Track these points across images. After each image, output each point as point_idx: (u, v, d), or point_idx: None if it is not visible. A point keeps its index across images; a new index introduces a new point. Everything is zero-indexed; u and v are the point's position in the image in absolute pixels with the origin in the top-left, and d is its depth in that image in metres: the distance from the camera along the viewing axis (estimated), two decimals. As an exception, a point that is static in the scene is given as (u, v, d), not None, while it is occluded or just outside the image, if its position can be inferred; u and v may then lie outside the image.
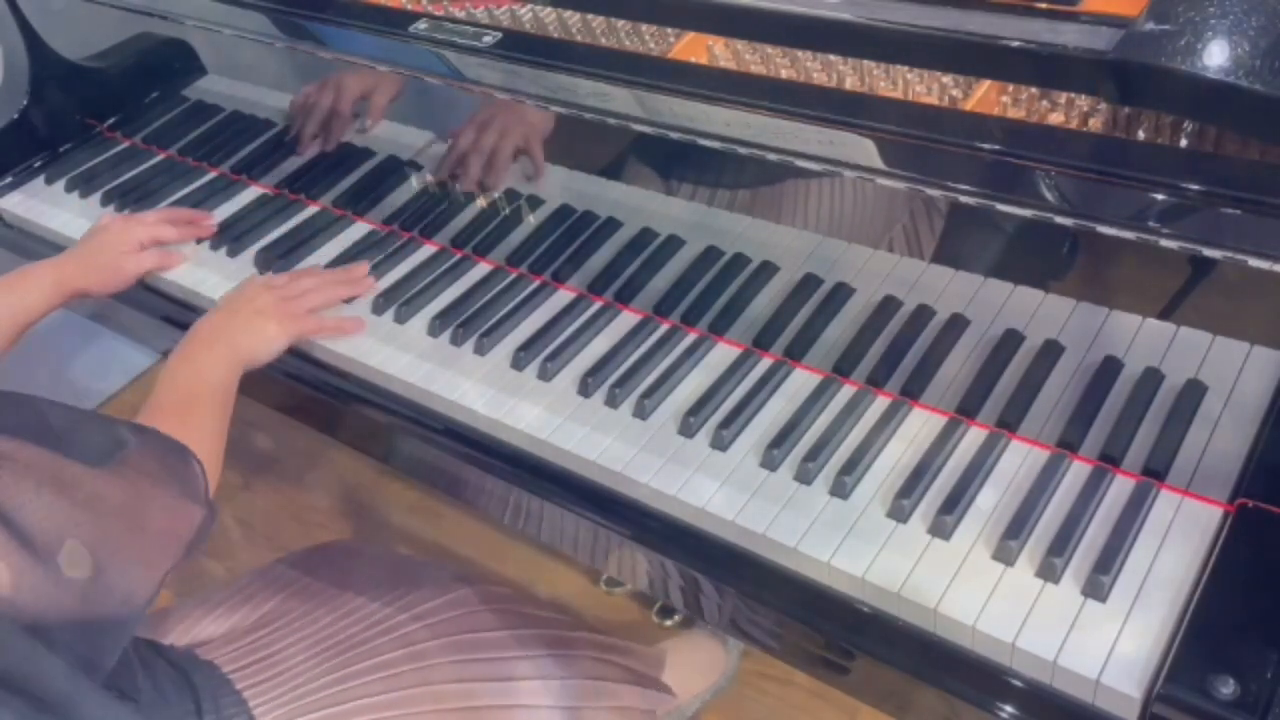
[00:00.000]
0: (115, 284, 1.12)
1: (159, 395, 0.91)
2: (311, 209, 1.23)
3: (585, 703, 1.07)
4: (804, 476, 0.83)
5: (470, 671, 0.98)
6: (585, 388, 0.94)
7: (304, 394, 1.07)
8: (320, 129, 1.21)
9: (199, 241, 1.20)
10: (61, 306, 1.08)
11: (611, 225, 1.05)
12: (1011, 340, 0.88)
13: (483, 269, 1.10)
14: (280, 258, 1.15)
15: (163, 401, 0.91)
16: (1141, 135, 0.79)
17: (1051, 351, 0.86)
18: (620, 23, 1.01)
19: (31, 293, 1.05)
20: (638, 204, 1.02)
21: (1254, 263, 0.69)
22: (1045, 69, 0.79)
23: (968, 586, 0.74)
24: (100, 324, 1.33)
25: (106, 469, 0.73)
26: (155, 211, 1.21)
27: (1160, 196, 0.72)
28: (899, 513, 0.79)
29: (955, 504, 0.78)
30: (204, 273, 1.15)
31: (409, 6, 1.09)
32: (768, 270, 0.98)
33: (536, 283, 1.07)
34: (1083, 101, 0.81)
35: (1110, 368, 0.84)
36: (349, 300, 1.08)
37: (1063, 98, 0.82)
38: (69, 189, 1.32)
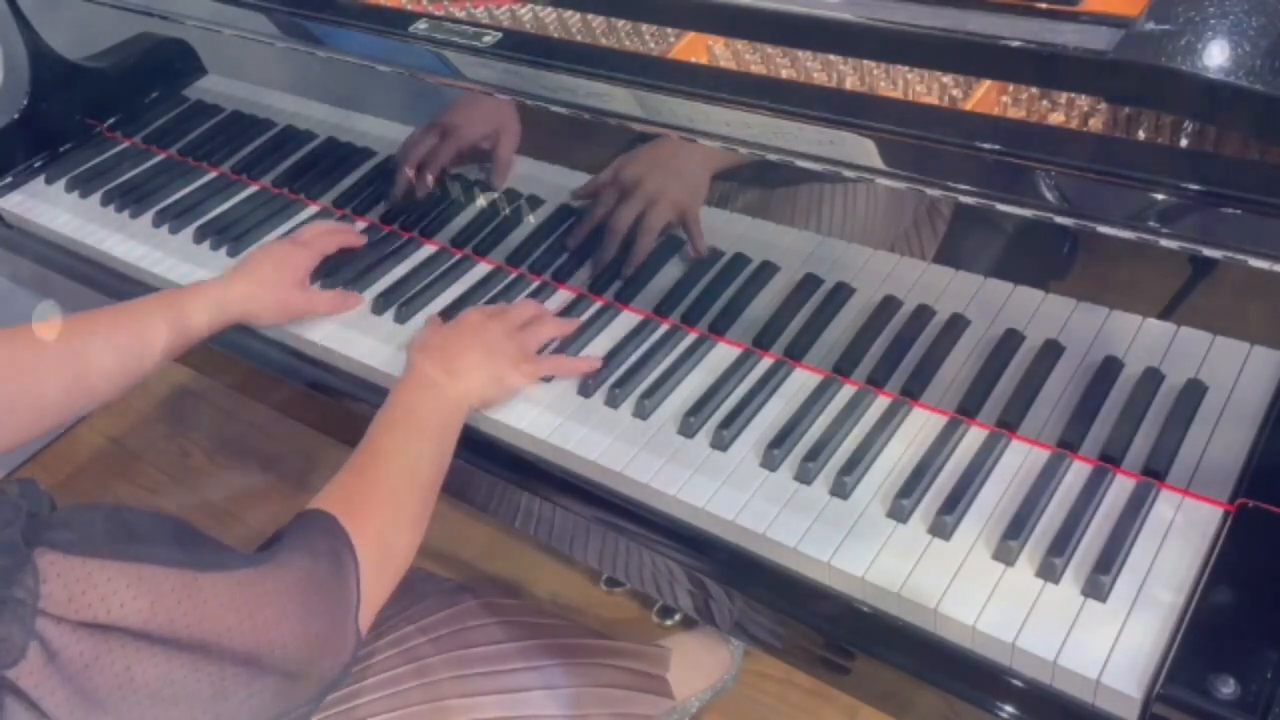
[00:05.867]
0: (281, 319, 1.05)
1: (373, 434, 0.86)
2: (311, 209, 1.23)
3: (591, 710, 1.07)
4: (804, 476, 0.83)
5: (476, 685, 0.98)
6: (585, 388, 0.94)
7: (304, 394, 1.07)
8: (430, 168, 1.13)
9: (198, 242, 1.20)
10: (222, 331, 1.01)
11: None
12: (1011, 340, 0.87)
13: (483, 269, 1.10)
14: (280, 258, 1.14)
15: (377, 441, 0.86)
16: (1141, 135, 0.79)
17: (1051, 351, 0.86)
18: (620, 23, 1.01)
19: (199, 312, 0.98)
20: (638, 204, 1.02)
21: (1254, 263, 0.69)
22: (1045, 69, 0.80)
23: (968, 586, 0.74)
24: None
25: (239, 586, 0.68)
26: (310, 228, 1.12)
27: (1160, 196, 0.72)
28: (899, 513, 0.79)
29: (955, 504, 0.78)
30: (203, 272, 1.15)
31: (409, 6, 1.09)
32: (768, 270, 0.97)
33: (536, 283, 1.07)
34: (1083, 101, 0.81)
35: (1110, 368, 0.84)
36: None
37: (1063, 98, 0.81)
38: (69, 189, 1.32)
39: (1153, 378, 0.82)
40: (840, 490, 0.82)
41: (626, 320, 1.01)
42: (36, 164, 1.37)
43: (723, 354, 0.95)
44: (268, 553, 0.72)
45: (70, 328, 0.91)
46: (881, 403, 0.88)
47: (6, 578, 0.58)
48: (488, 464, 0.95)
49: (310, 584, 0.72)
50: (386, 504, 0.81)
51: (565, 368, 0.96)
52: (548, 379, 0.96)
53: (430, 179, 1.13)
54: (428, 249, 1.14)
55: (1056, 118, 0.81)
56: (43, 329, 0.89)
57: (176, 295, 1.00)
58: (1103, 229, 0.74)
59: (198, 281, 1.04)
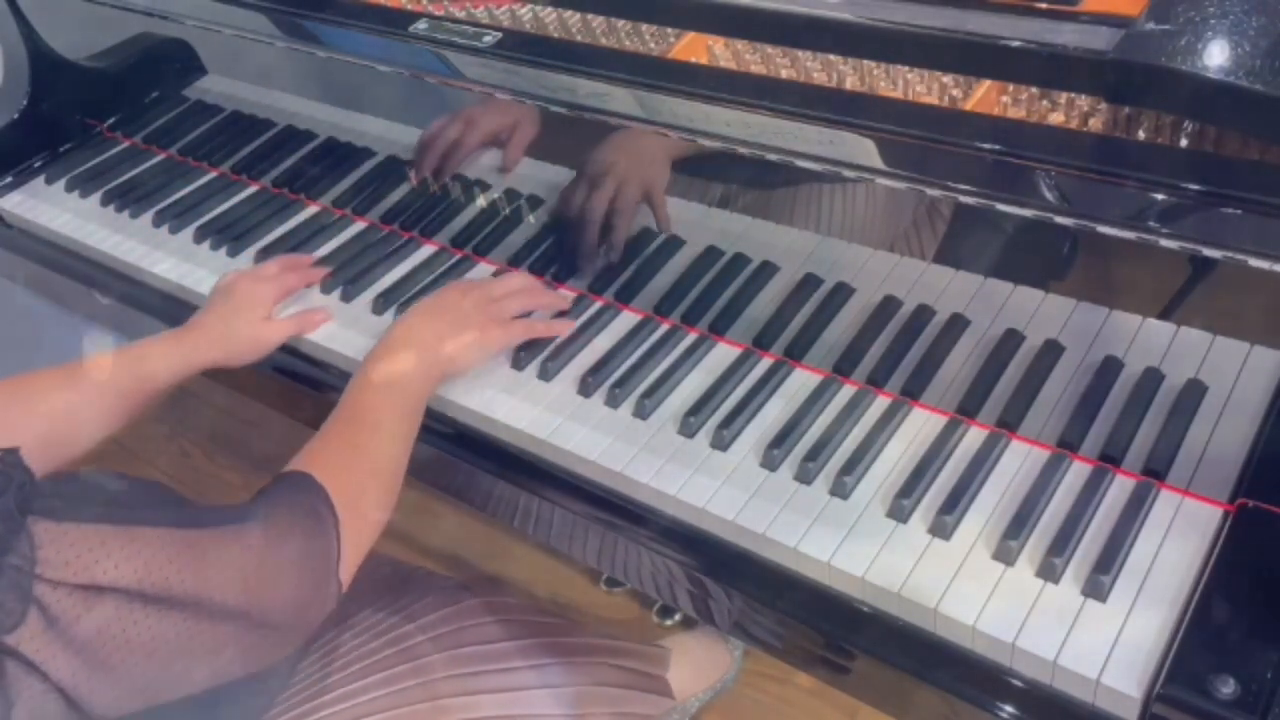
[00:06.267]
0: (255, 356, 1.03)
1: (345, 401, 0.87)
2: (311, 209, 1.23)
3: (590, 710, 1.07)
4: (804, 476, 0.83)
5: (474, 684, 0.98)
6: (585, 387, 0.94)
7: (304, 393, 1.07)
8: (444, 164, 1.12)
9: (198, 242, 1.20)
10: (190, 378, 1.00)
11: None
12: (1011, 340, 0.87)
13: (483, 269, 1.10)
14: (280, 258, 1.14)
15: (349, 406, 0.87)
16: (1141, 135, 0.79)
17: (1051, 351, 0.86)
18: (620, 23, 1.01)
19: (159, 365, 0.96)
20: (638, 204, 1.02)
21: (1254, 263, 0.69)
22: (1045, 69, 0.80)
23: (968, 586, 0.74)
24: (99, 324, 1.33)
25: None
26: (272, 263, 1.10)
27: (1160, 196, 0.72)
28: (899, 513, 0.79)
29: (955, 504, 0.78)
30: (203, 272, 1.16)
31: (409, 6, 1.09)
32: (768, 270, 0.97)
33: (536, 283, 1.07)
34: (1083, 101, 0.81)
35: (1110, 368, 0.84)
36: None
37: (1063, 98, 0.81)
38: (69, 189, 1.32)
39: (1153, 378, 0.82)
40: (840, 490, 0.82)
41: (626, 320, 1.01)
42: (36, 164, 1.37)
43: (723, 354, 0.95)
44: (249, 508, 0.74)
45: (33, 386, 0.90)
46: (881, 403, 0.88)
47: (2, 545, 0.59)
48: (488, 464, 0.95)
49: (292, 537, 0.74)
50: (362, 462, 0.83)
51: (536, 330, 0.98)
52: (548, 379, 0.96)
53: (432, 179, 1.13)
54: (428, 249, 1.14)
55: (1056, 118, 0.81)
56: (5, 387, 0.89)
57: (140, 348, 0.97)
58: (1103, 229, 0.74)
59: (160, 333, 1.01)
